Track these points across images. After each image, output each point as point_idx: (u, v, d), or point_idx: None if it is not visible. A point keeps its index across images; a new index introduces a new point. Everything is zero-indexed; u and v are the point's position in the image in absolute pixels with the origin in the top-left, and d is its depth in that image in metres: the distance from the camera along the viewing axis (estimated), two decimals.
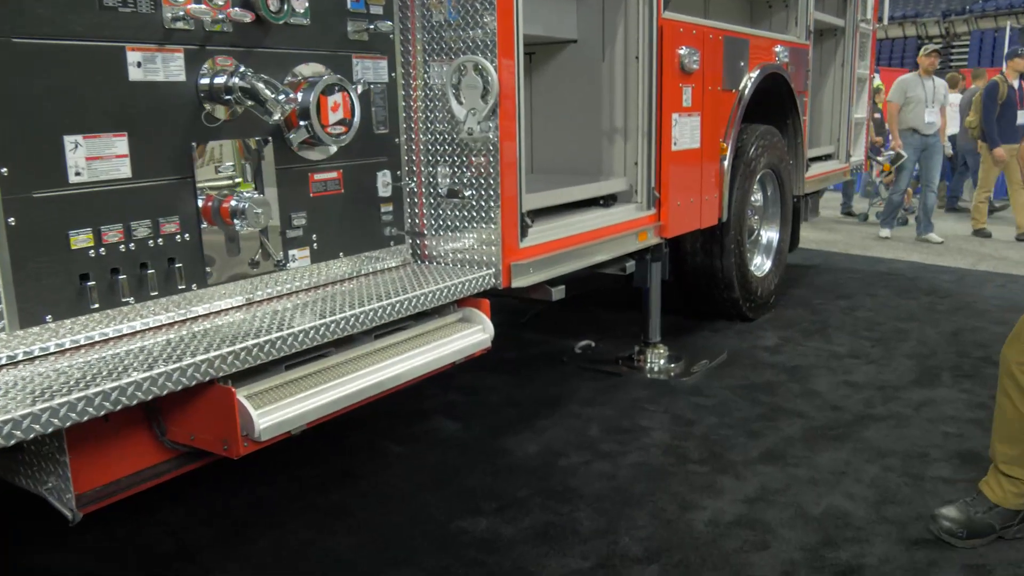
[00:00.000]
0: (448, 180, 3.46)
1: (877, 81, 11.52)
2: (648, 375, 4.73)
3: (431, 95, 3.45)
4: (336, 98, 3.00)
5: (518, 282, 3.45)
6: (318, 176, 3.14)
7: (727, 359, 4.93)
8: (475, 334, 3.30)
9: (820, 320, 5.77)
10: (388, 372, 2.90)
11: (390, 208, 3.46)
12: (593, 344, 5.24)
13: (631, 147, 4.46)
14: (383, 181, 3.41)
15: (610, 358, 4.94)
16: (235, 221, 2.73)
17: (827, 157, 7.38)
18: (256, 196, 2.76)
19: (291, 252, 3.05)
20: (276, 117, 2.75)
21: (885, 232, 9.91)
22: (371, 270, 3.35)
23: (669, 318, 5.58)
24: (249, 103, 2.73)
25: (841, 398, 4.24)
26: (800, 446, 3.66)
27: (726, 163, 5.09)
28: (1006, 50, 15.47)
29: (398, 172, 3.47)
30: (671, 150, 4.48)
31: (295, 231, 3.05)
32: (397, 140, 3.45)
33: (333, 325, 2.74)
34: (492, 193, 3.35)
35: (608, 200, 4.37)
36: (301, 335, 2.62)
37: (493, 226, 3.38)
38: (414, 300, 3.02)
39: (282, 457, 3.55)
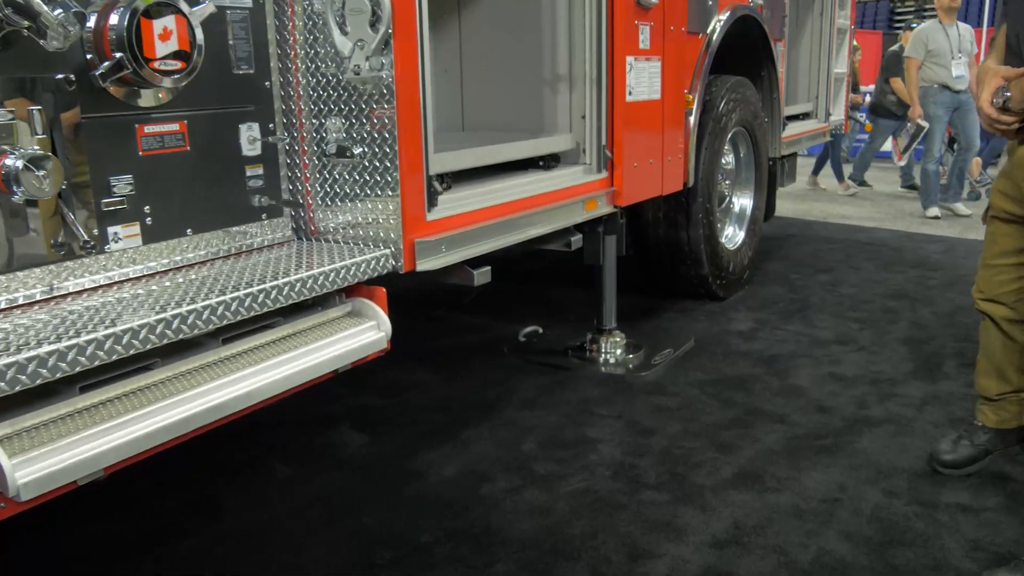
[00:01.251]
0: (338, 135, 2.70)
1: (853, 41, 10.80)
2: (602, 368, 4.02)
3: (314, 24, 2.68)
4: (166, 23, 2.22)
5: (425, 264, 2.70)
6: (150, 128, 2.37)
7: (694, 347, 4.23)
8: (365, 333, 2.56)
9: (800, 299, 5.08)
10: (234, 390, 2.16)
11: (259, 171, 2.69)
12: (540, 331, 4.51)
13: (577, 98, 3.71)
14: (249, 136, 2.64)
15: (559, 348, 4.22)
16: (12, 188, 1.98)
17: (804, 116, 6.67)
18: (39, 153, 1.99)
19: (112, 230, 2.29)
20: (56, 45, 1.98)
21: (933, 211, 8.30)
22: (234, 251, 2.59)
23: (628, 298, 4.87)
24: (25, 24, 1.96)
25: (829, 396, 3.55)
26: (782, 462, 2.96)
27: (692, 119, 4.35)
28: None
29: (270, 125, 2.70)
30: (625, 101, 3.73)
31: (116, 202, 2.29)
32: (268, 83, 2.68)
33: (159, 327, 2.00)
34: (388, 151, 2.60)
35: (549, 162, 3.63)
36: (106, 342, 1.88)
37: (390, 193, 2.62)
38: (276, 291, 2.27)
39: (138, 480, 2.81)
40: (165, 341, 2.02)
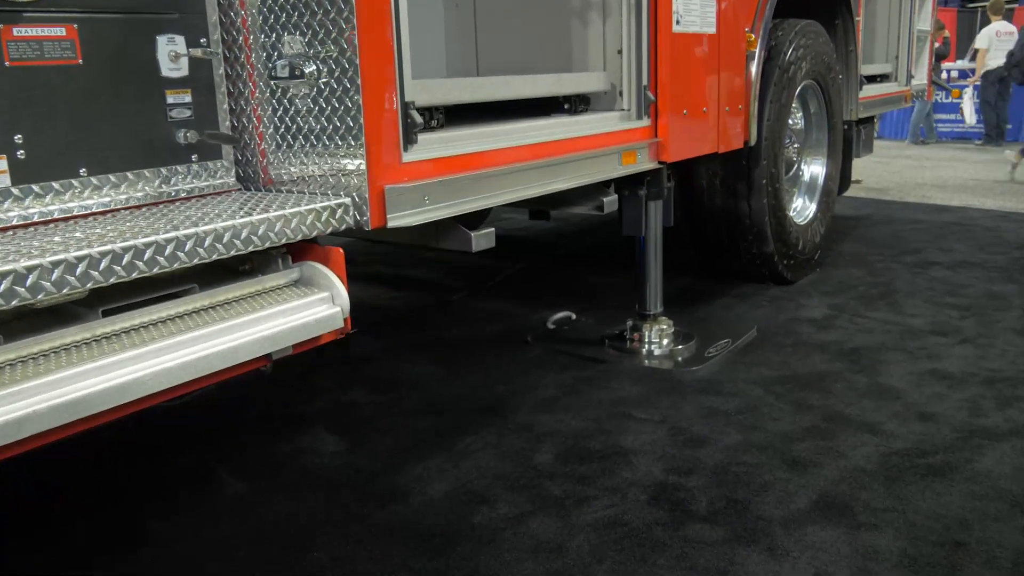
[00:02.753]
0: (292, 53, 2.04)
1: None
2: (644, 362, 3.32)
3: None
4: None
5: (399, 218, 2.03)
6: (21, 31, 1.76)
7: (757, 337, 3.50)
8: (313, 307, 1.90)
9: (883, 283, 4.29)
10: (98, 381, 1.51)
11: (186, 97, 2.06)
12: (573, 317, 3.82)
13: (612, 28, 3.01)
14: (170, 51, 2.01)
15: (594, 337, 3.53)
16: None
17: (883, 78, 5.85)
18: None
19: None
20: None
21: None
22: (149, 200, 1.96)
23: (678, 281, 4.17)
24: None
25: (932, 400, 2.80)
26: (878, 488, 2.24)
27: (755, 63, 3.62)
28: None
29: (202, 40, 2.06)
30: (672, 31, 3.02)
31: None
32: None
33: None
34: (347, 66, 1.94)
35: (577, 105, 2.94)
36: None
37: (350, 123, 1.97)
38: (171, 245, 1.63)
39: (48, 494, 2.20)
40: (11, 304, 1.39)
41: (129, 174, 1.95)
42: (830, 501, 2.17)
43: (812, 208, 4.54)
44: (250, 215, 1.79)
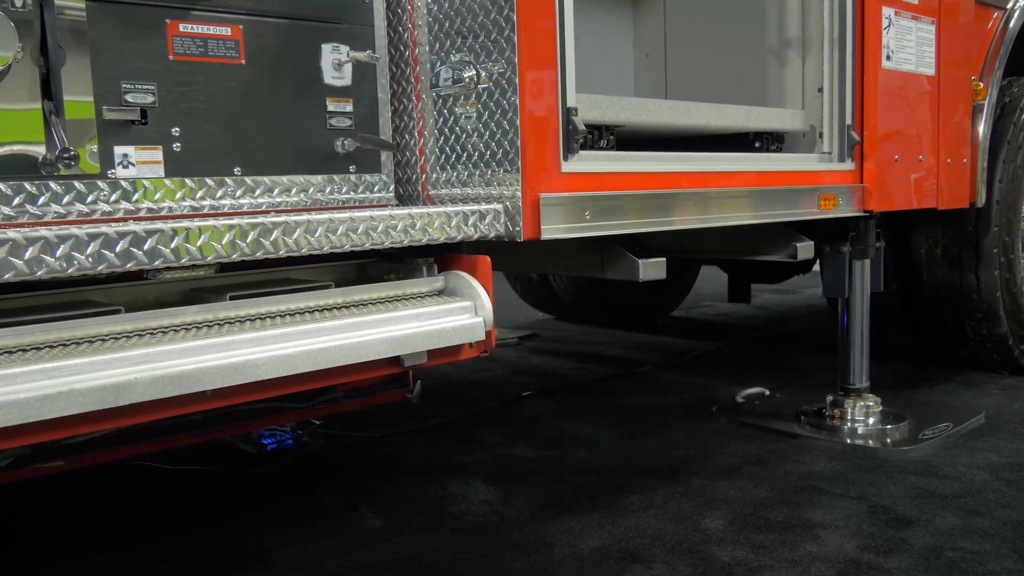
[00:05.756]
0: (461, 62, 1.98)
1: None
2: (847, 439, 2.91)
3: None
4: None
5: (555, 230, 1.87)
6: (187, 27, 1.79)
7: (984, 423, 3.00)
8: (453, 314, 1.75)
9: None
10: (210, 358, 1.42)
11: (347, 107, 2.03)
12: (767, 392, 3.46)
13: (813, 65, 2.77)
14: (334, 58, 2.00)
15: (788, 413, 3.16)
16: None
17: None
18: None
19: (120, 150, 1.70)
20: None
21: None
22: (302, 205, 1.92)
23: (892, 365, 3.72)
24: None
25: None
26: None
27: (984, 114, 3.22)
28: None
29: (371, 51, 2.04)
30: (881, 67, 2.74)
31: (125, 114, 1.70)
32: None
33: (91, 245, 1.35)
34: (505, 68, 1.84)
35: (769, 143, 2.70)
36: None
37: (506, 126, 1.85)
38: (301, 229, 1.55)
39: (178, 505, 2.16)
40: (109, 269, 1.35)
41: (284, 178, 1.92)
42: None
43: None
44: (394, 210, 1.70)
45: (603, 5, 3.45)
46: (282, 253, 1.53)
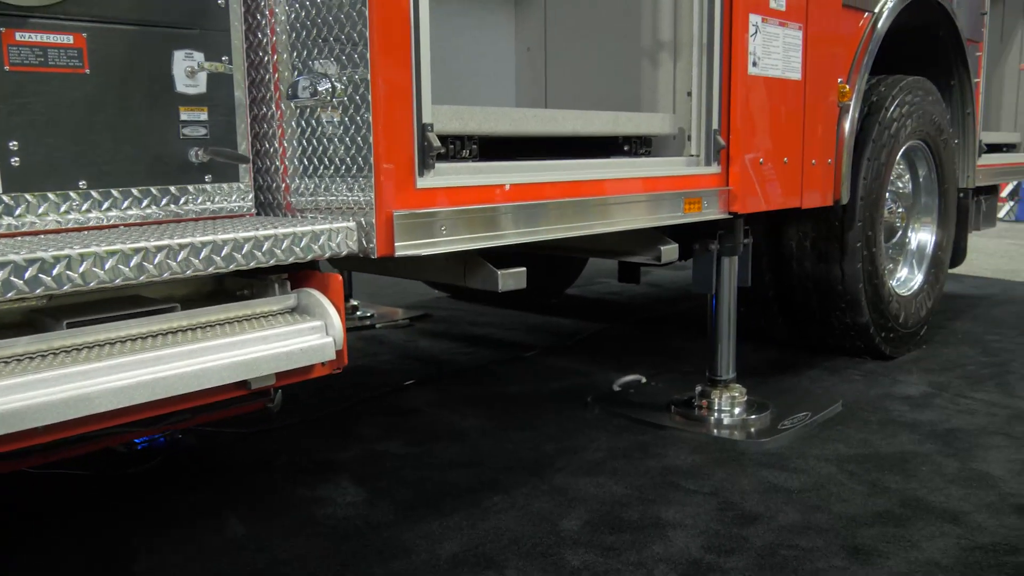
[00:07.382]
0: (317, 75, 1.96)
1: None
2: (713, 430, 3.04)
3: None
4: None
5: (409, 247, 1.89)
6: (24, 35, 1.73)
7: (841, 412, 3.17)
8: (303, 335, 1.76)
9: (997, 363, 3.86)
10: (43, 393, 1.40)
11: (202, 115, 1.99)
12: (642, 380, 3.57)
13: (683, 69, 2.83)
14: (187, 66, 1.96)
15: (661, 402, 3.27)
16: None
17: (1009, 148, 5.42)
18: None
19: None
20: None
21: None
22: (152, 218, 1.89)
23: (767, 351, 3.89)
24: None
25: None
26: None
27: (849, 116, 3.35)
28: None
29: (223, 57, 2.00)
30: (747, 73, 2.82)
31: None
32: (222, 1, 2.00)
33: None
34: (359, 83, 1.84)
35: (638, 147, 2.76)
36: None
37: (360, 143, 1.85)
38: (137, 256, 1.53)
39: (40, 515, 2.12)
40: None
41: (135, 190, 1.88)
42: None
43: (918, 279, 4.16)
44: (237, 233, 1.69)
45: None
46: (116, 281, 1.51)
